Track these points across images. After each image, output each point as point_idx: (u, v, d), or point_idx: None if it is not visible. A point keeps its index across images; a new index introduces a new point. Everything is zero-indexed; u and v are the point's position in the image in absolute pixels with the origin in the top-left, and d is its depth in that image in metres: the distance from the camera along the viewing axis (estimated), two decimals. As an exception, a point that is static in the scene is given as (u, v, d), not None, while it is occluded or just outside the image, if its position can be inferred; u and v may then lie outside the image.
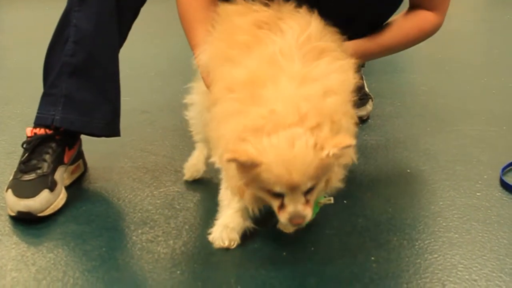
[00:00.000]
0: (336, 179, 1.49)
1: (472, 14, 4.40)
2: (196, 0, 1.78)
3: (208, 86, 1.68)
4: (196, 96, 1.85)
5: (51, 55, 1.89)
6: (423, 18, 1.92)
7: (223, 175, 1.63)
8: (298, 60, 1.49)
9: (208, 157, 1.88)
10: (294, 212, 1.40)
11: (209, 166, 1.86)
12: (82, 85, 1.85)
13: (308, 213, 1.42)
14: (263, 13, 1.64)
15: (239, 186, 1.45)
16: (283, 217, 1.41)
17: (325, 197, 1.60)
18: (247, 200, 1.49)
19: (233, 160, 1.35)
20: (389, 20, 1.94)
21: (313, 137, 1.35)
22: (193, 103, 1.87)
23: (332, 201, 1.62)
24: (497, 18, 4.13)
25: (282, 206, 1.41)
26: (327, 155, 1.34)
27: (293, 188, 1.37)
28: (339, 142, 1.35)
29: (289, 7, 1.66)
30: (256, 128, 1.37)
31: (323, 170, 1.38)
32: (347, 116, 1.47)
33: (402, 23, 1.93)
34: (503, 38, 3.65)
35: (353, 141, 1.38)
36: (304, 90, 1.42)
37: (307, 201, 1.41)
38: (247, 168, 1.37)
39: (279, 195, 1.40)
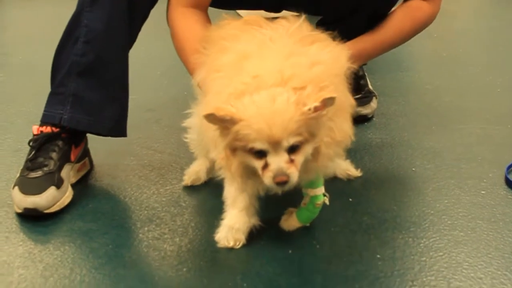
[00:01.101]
0: (328, 156, 1.46)
1: (477, 12, 4.39)
2: (190, 31, 1.80)
3: None
4: (195, 119, 1.83)
5: (60, 54, 1.89)
6: (417, 9, 1.93)
7: (224, 173, 1.61)
8: (288, 44, 1.49)
9: (210, 167, 1.87)
10: (277, 169, 1.36)
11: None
12: (90, 85, 1.86)
13: (293, 172, 1.37)
14: (251, 15, 1.66)
15: (225, 156, 1.43)
16: (266, 176, 1.38)
17: (325, 195, 1.60)
18: (235, 172, 1.45)
19: (211, 115, 1.33)
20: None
21: (295, 95, 1.34)
22: (192, 127, 1.86)
23: (327, 202, 1.61)
24: (502, 16, 4.13)
25: (265, 167, 1.38)
26: (309, 109, 1.33)
27: (274, 144, 1.35)
28: (321, 95, 1.33)
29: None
30: (238, 93, 1.37)
31: (307, 127, 1.35)
32: (339, 91, 1.45)
33: (396, 17, 1.94)
34: (508, 36, 3.64)
35: (336, 94, 1.34)
36: (290, 60, 1.42)
37: (291, 161, 1.38)
38: (227, 128, 1.36)
39: (261, 155, 1.37)
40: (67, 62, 1.85)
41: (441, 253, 1.57)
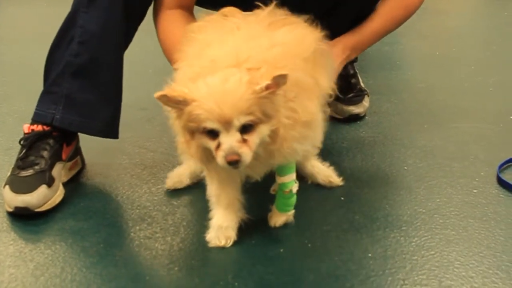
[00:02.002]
0: (292, 139, 1.44)
1: (470, 11, 4.40)
2: (174, 33, 1.81)
3: None
4: None
5: (55, 53, 1.88)
6: None
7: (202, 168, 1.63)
8: (255, 29, 1.51)
9: (194, 172, 1.87)
10: (228, 148, 1.36)
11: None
12: (84, 86, 1.85)
13: (245, 151, 1.37)
14: (227, 8, 1.66)
15: (184, 140, 1.44)
16: (219, 156, 1.38)
17: (295, 182, 1.59)
18: (195, 154, 1.45)
19: (164, 96, 1.35)
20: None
21: (249, 76, 1.34)
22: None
23: (294, 190, 1.60)
24: (495, 14, 4.13)
25: (218, 147, 1.38)
26: (261, 88, 1.33)
27: (225, 123, 1.35)
28: (273, 73, 1.33)
29: None
30: (195, 77, 1.38)
31: (259, 106, 1.35)
32: (300, 71, 1.45)
33: (388, 5, 1.93)
34: (501, 35, 3.65)
35: (285, 72, 1.33)
36: (249, 43, 1.43)
37: (244, 140, 1.37)
38: (181, 109, 1.37)
39: (214, 135, 1.38)
40: (61, 62, 1.85)
41: (432, 252, 1.57)
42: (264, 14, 1.57)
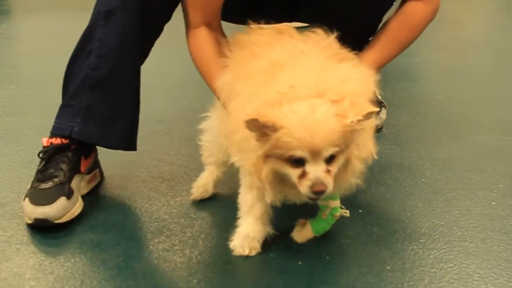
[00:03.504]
0: (354, 172, 1.48)
1: (486, 22, 4.39)
2: (210, 45, 1.81)
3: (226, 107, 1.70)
4: (213, 121, 1.85)
5: (73, 66, 1.90)
6: (413, 15, 1.85)
7: (242, 174, 1.63)
8: (320, 59, 1.51)
9: (217, 179, 1.90)
10: (316, 178, 1.38)
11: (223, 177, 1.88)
12: (102, 99, 1.87)
13: (330, 182, 1.39)
14: (282, 25, 1.67)
15: (256, 162, 1.44)
16: (304, 185, 1.39)
17: (341, 208, 1.61)
18: (265, 178, 1.45)
19: (254, 121, 1.35)
20: (384, 22, 1.93)
21: (334, 107, 1.36)
22: (208, 129, 1.87)
23: (348, 214, 1.64)
24: (511, 25, 4.12)
25: (302, 175, 1.39)
26: (352, 121, 1.35)
27: (315, 153, 1.36)
28: (363, 109, 1.36)
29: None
30: (274, 102, 1.38)
31: (344, 139, 1.38)
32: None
33: (392, 28, 1.89)
34: (518, 46, 3.64)
35: (376, 108, 1.39)
36: (323, 75, 1.44)
37: (328, 171, 1.39)
38: (267, 134, 1.37)
39: (299, 164, 1.39)
40: (80, 75, 1.86)
41: (451, 265, 1.57)
42: (324, 44, 1.58)
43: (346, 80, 1.45)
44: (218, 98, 1.74)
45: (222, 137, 1.73)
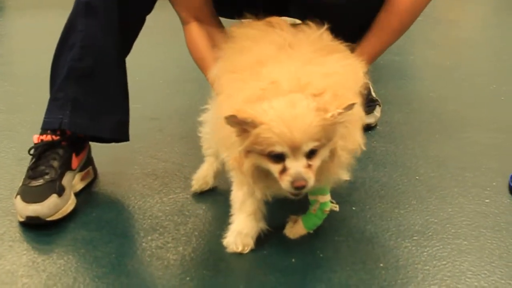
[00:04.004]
0: (341, 164, 1.47)
1: (481, 21, 4.39)
2: (202, 39, 1.83)
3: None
4: (211, 113, 1.84)
5: (58, 60, 1.89)
6: (399, 2, 1.87)
7: (232, 173, 1.62)
8: (307, 52, 1.51)
9: (217, 171, 1.89)
10: (296, 173, 1.37)
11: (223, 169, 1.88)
12: (90, 89, 1.86)
13: (310, 177, 1.39)
14: (274, 18, 1.67)
15: (237, 156, 1.44)
16: (285, 180, 1.39)
17: (332, 202, 1.61)
18: (247, 173, 1.45)
19: (232, 117, 1.35)
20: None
21: (315, 102, 1.36)
22: (208, 121, 1.87)
23: (337, 209, 1.63)
24: (506, 24, 4.13)
25: (283, 171, 1.39)
26: (333, 115, 1.35)
27: (294, 148, 1.36)
28: (343, 102, 1.35)
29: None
30: (255, 98, 1.38)
31: (325, 132, 1.37)
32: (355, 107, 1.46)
33: (381, 19, 1.87)
34: (512, 44, 3.65)
35: (356, 100, 1.37)
36: (307, 68, 1.44)
37: (309, 166, 1.39)
38: (247, 130, 1.37)
39: (280, 159, 1.38)
40: (65, 68, 1.85)
41: (444, 262, 1.57)
42: (314, 36, 1.58)
43: (330, 74, 1.44)
44: (214, 89, 1.75)
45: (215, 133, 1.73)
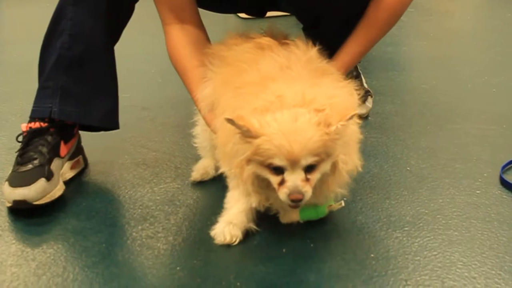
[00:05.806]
0: (340, 181, 1.52)
1: (473, 13, 4.39)
2: (184, 48, 1.82)
3: (209, 124, 1.71)
4: (200, 127, 1.89)
5: (47, 48, 1.88)
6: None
7: (229, 181, 1.65)
8: (304, 73, 1.55)
9: (218, 166, 1.88)
10: (293, 186, 1.41)
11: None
12: (78, 78, 1.85)
13: (308, 190, 1.42)
14: (262, 38, 1.69)
15: (239, 163, 1.45)
16: (282, 192, 1.42)
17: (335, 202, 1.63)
18: (247, 180, 1.48)
19: (230, 121, 1.37)
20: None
21: (317, 117, 1.38)
22: (199, 133, 1.90)
23: (343, 205, 1.66)
24: (499, 16, 4.13)
25: (282, 183, 1.42)
26: (336, 128, 1.38)
27: (293, 162, 1.39)
28: (344, 115, 1.38)
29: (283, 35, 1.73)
30: (262, 110, 1.41)
31: (325, 148, 1.40)
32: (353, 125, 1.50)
33: (369, 13, 1.86)
34: (504, 36, 3.64)
35: (356, 110, 1.42)
36: (313, 89, 1.47)
37: (307, 179, 1.42)
38: (248, 139, 1.39)
39: (279, 171, 1.42)
40: (54, 56, 1.84)
41: (435, 253, 1.57)
42: (305, 59, 1.60)
43: (333, 95, 1.48)
44: (198, 108, 1.76)
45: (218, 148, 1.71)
